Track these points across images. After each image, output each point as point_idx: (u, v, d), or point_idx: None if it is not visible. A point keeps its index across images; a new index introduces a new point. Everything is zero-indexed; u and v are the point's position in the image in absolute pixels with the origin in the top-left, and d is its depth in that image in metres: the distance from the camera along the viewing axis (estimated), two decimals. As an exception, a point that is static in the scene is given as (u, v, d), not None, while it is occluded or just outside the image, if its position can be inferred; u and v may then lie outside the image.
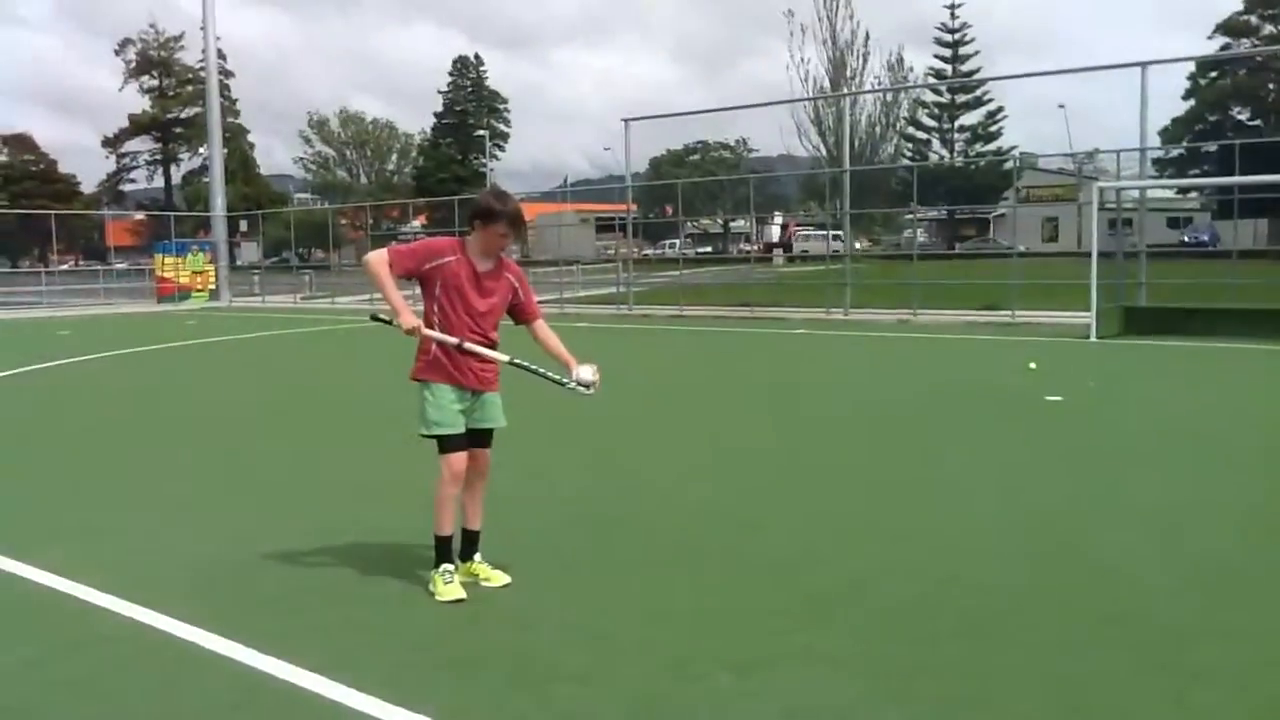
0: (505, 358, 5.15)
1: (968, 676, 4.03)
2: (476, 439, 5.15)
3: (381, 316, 5.25)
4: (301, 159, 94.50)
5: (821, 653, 4.27)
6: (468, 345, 5.03)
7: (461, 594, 5.00)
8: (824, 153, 63.12)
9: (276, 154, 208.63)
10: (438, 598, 4.99)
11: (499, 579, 5.22)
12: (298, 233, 53.03)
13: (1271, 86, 64.11)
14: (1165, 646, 4.28)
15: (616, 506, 6.86)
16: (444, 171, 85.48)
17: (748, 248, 51.47)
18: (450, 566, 5.11)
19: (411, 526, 5.78)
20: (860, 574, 5.31)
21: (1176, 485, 7.22)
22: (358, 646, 4.43)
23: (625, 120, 29.41)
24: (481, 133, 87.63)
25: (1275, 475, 7.46)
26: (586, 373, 5.08)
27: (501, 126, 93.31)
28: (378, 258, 5.00)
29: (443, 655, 4.33)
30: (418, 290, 5.19)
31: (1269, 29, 64.28)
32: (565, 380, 5.12)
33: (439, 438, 5.05)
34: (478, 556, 5.29)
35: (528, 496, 6.63)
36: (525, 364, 5.17)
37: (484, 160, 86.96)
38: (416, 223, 68.00)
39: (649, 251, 57.92)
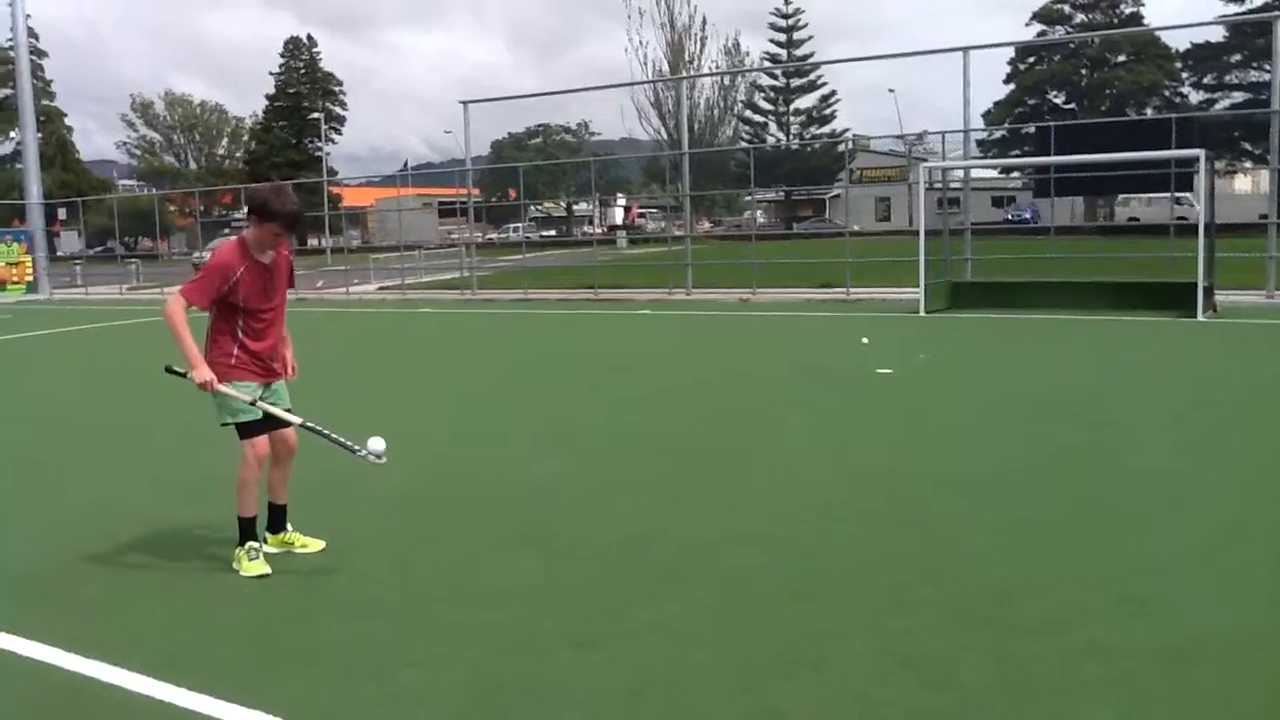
0: (298, 420, 5.27)
1: (805, 637, 4.15)
2: (277, 420, 5.27)
3: (176, 370, 5.31)
4: (125, 144, 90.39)
5: (664, 624, 4.33)
6: (261, 405, 5.17)
7: (266, 569, 5.12)
8: (664, 136, 63.75)
9: (97, 139, 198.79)
10: (242, 573, 5.10)
11: (314, 545, 5.43)
12: (123, 221, 50.64)
13: (1084, 72, 67.40)
14: (987, 602, 4.49)
15: (456, 488, 6.81)
16: (278, 156, 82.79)
17: (591, 230, 51.53)
18: (256, 544, 5.23)
19: (236, 521, 5.61)
20: (701, 544, 5.40)
21: (998, 449, 7.57)
22: (188, 645, 4.29)
23: (464, 103, 29.06)
24: (316, 116, 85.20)
25: (1086, 436, 7.89)
26: (377, 444, 5.10)
27: (337, 109, 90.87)
28: (174, 307, 5.02)
29: (278, 649, 4.23)
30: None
31: (1081, 17, 67.60)
32: (357, 449, 5.12)
33: (241, 424, 5.16)
34: (289, 526, 5.47)
35: (363, 481, 6.51)
36: (318, 429, 5.23)
37: (319, 144, 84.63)
38: (250, 208, 65.77)
39: (493, 235, 57.46)
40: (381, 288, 31.31)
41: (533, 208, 65.81)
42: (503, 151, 77.89)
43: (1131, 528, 5.50)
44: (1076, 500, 6.10)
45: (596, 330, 18.53)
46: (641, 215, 66.94)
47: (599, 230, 51.60)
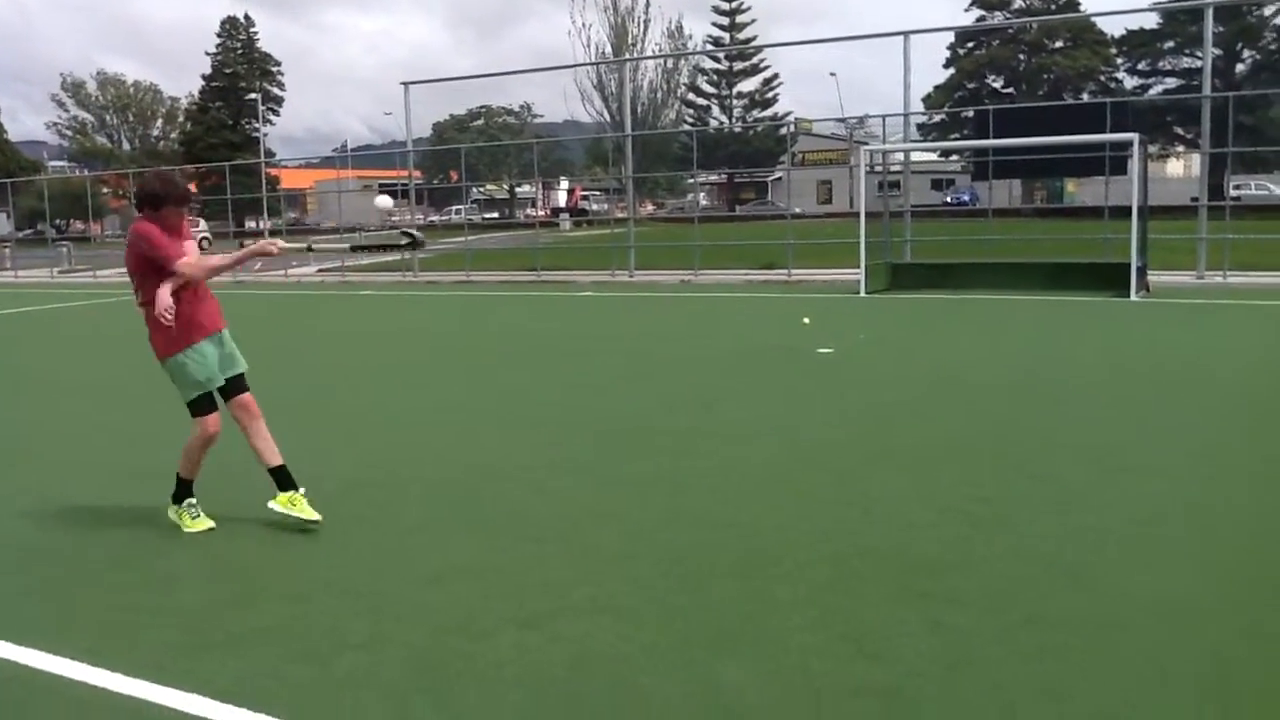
0: (346, 246, 5.94)
1: (746, 614, 4.17)
2: (235, 387, 5.43)
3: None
4: (55, 124, 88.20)
5: (606, 603, 4.33)
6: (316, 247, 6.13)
7: (209, 524, 5.35)
8: (607, 118, 63.59)
9: (25, 119, 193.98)
10: (185, 529, 5.32)
11: (309, 514, 5.43)
12: (53, 203, 49.52)
13: (1023, 57, 68.25)
14: (925, 575, 4.55)
15: (399, 470, 6.75)
16: (214, 137, 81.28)
17: (534, 213, 51.30)
18: (194, 500, 5.44)
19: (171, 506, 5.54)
20: (642, 525, 5.41)
21: (938, 426, 7.66)
22: (123, 630, 4.22)
23: (405, 84, 28.76)
24: (254, 96, 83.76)
25: (1023, 414, 8.01)
26: (386, 202, 5.48)
27: (275, 90, 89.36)
28: (184, 264, 5.21)
29: (215, 633, 4.17)
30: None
31: (1019, 3, 68.34)
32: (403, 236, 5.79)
33: (194, 400, 5.31)
34: (302, 490, 5.51)
35: (301, 462, 6.43)
36: (362, 244, 5.82)
37: (257, 125, 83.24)
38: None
39: (435, 218, 56.93)
40: (321, 270, 30.93)
41: (475, 190, 65.25)
42: (444, 133, 77.17)
43: (1068, 503, 5.59)
44: (1014, 476, 6.19)
45: (539, 313, 18.47)
46: (585, 197, 66.71)
47: (542, 213, 51.37)
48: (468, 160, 36.90)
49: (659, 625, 4.09)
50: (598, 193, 65.07)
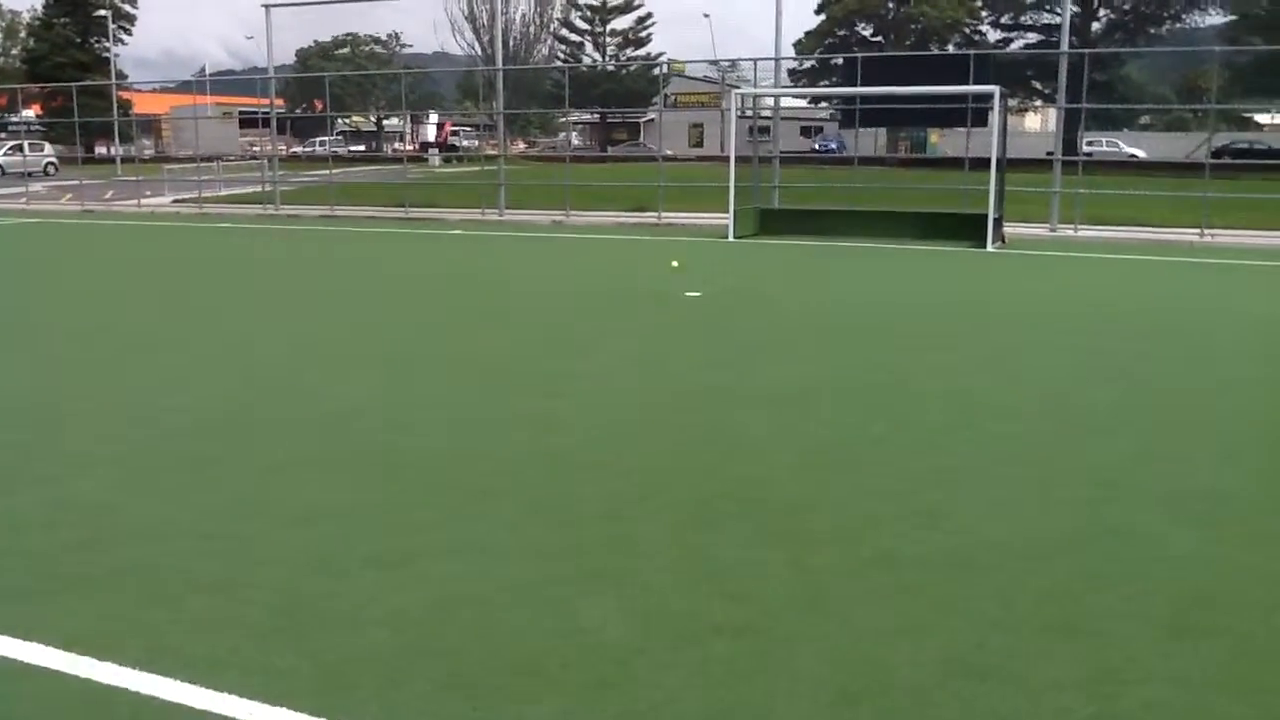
0: None
1: (613, 553, 4.22)
2: None
3: None
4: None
5: (471, 543, 4.32)
6: None
7: None
8: (479, 51, 62.41)
9: None
10: None
11: None
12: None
13: (891, 5, 69.24)
14: (786, 516, 4.66)
15: (259, 410, 6.58)
16: (61, 55, 76.77)
17: (402, 147, 50.12)
18: None
19: (14, 440, 5.30)
20: (508, 465, 5.40)
21: (803, 370, 7.81)
22: (-40, 572, 4.04)
23: (266, 6, 27.55)
24: (103, 13, 79.39)
25: (884, 358, 8.24)
26: None
27: (126, 7, 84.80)
28: None
29: (63, 576, 4.02)
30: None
31: (890, -49, 69.14)
32: None
33: None
34: None
35: (160, 400, 6.23)
36: None
37: (107, 44, 78.99)
38: (29, 112, 61.07)
39: (298, 149, 55.15)
40: (177, 200, 29.69)
41: (341, 121, 63.41)
42: (309, 61, 74.59)
43: (925, 444, 5.79)
44: (875, 419, 6.37)
45: (406, 250, 18.13)
46: (455, 133, 65.41)
47: (410, 147, 50.21)
48: (333, 90, 35.84)
49: (524, 565, 4.10)
50: (468, 128, 63.88)
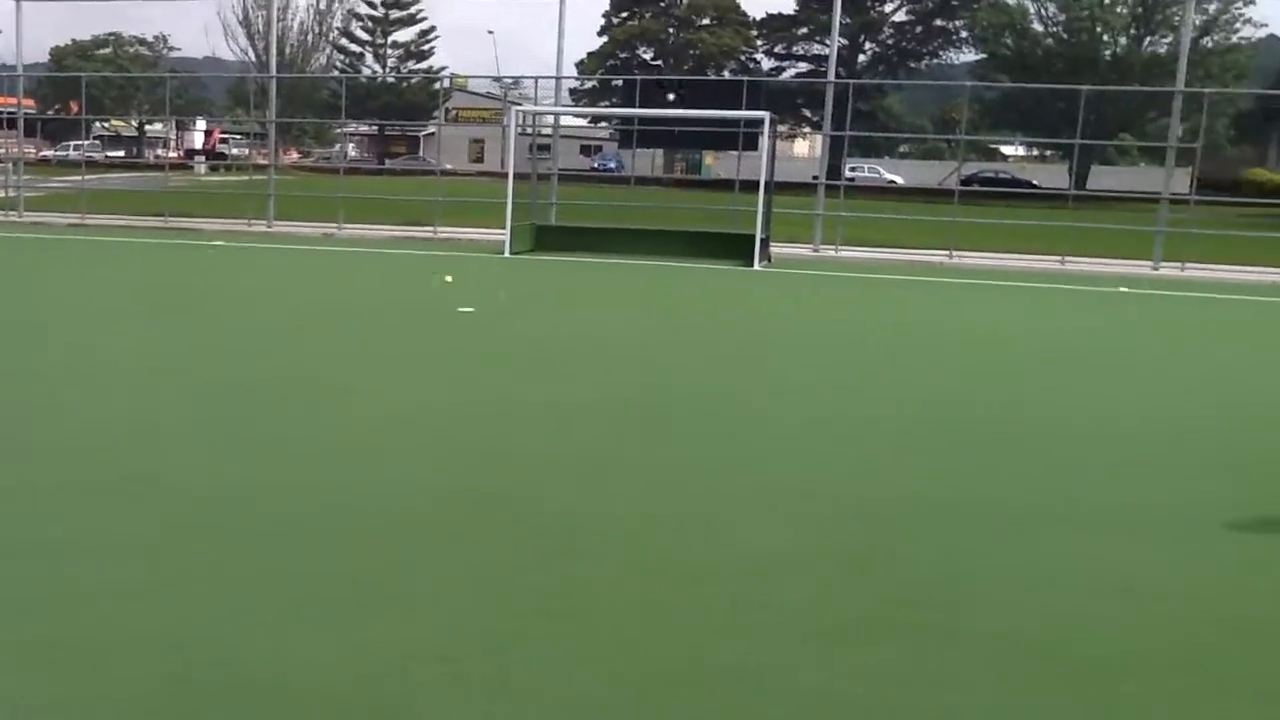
0: None
1: (381, 580, 4.07)
2: None
3: None
4: None
5: (201, 575, 4.11)
6: None
7: None
8: (253, 58, 60.15)
9: None
10: None
11: None
12: None
13: (672, 31, 70.96)
14: (552, 526, 4.68)
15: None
16: None
17: (165, 154, 47.75)
18: None
19: None
20: (252, 489, 5.18)
21: (566, 383, 7.85)
22: None
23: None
24: None
25: (651, 371, 8.38)
26: None
27: None
28: None
29: None
30: None
31: (668, -23, 70.91)
32: None
33: None
34: None
35: None
36: None
37: None
38: None
39: (48, 153, 51.69)
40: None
41: (99, 125, 59.86)
42: (64, 60, 70.14)
43: (678, 450, 5.91)
44: (635, 434, 6.46)
45: (160, 263, 17.23)
46: (224, 140, 62.84)
47: (174, 154, 47.87)
48: (90, 91, 33.71)
49: (278, 597, 3.93)
50: (239, 136, 61.47)
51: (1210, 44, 50.66)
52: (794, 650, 3.53)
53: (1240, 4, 50.99)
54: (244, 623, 3.64)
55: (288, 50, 62.78)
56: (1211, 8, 50.21)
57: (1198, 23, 46.41)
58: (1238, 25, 52.06)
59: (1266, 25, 55.98)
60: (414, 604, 3.84)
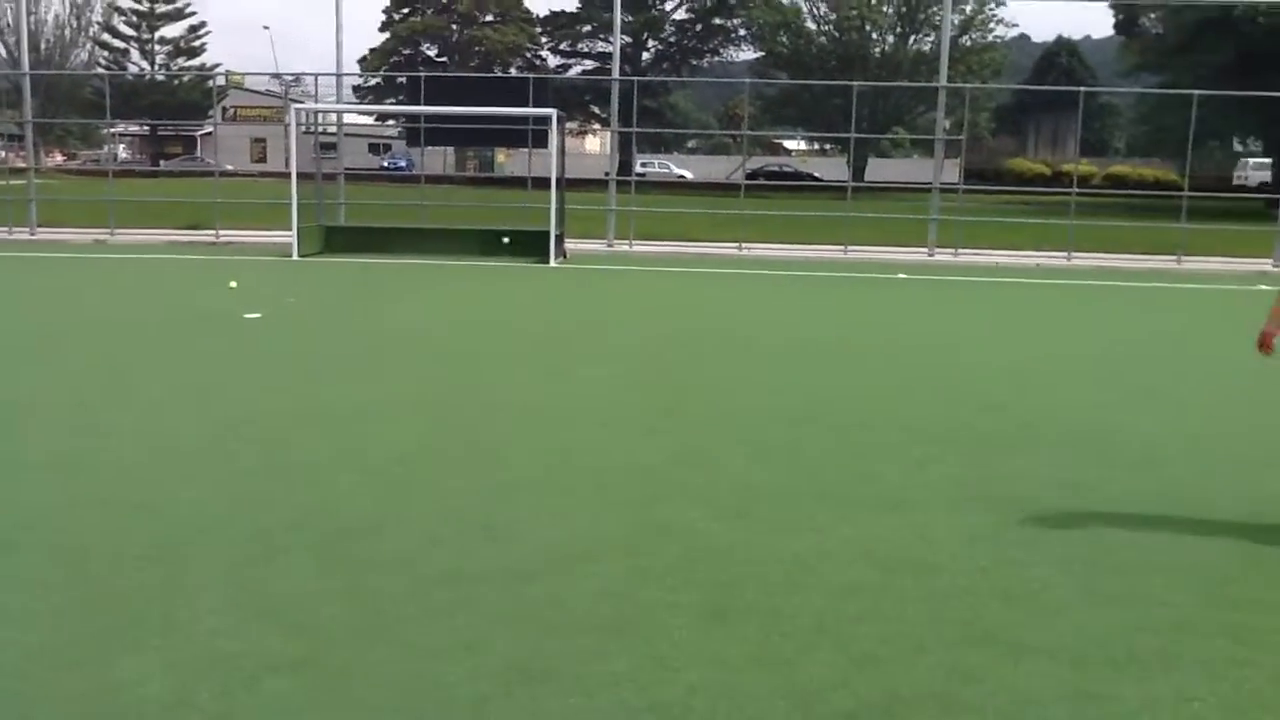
0: None
1: (151, 601, 3.89)
2: None
3: None
4: None
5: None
6: None
7: None
8: (4, 54, 56.08)
9: None
10: None
11: None
12: None
13: (455, 27, 70.15)
14: (347, 541, 4.54)
15: None
16: None
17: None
18: None
19: None
20: (34, 512, 4.85)
21: (371, 389, 7.66)
22: None
23: None
24: None
25: (450, 373, 8.29)
26: None
27: None
28: None
29: None
30: None
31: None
32: None
33: None
34: None
35: None
36: None
37: None
38: None
39: None
40: None
41: None
42: None
43: (489, 458, 5.87)
44: (446, 435, 6.38)
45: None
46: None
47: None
48: None
49: (49, 625, 3.69)
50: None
51: (969, 42, 53.91)
52: (619, 643, 3.56)
53: (993, 5, 54.46)
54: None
55: (44, 46, 58.91)
56: (968, 8, 53.41)
57: (956, 22, 49.26)
58: (992, 25, 55.60)
59: (1017, 25, 60.10)
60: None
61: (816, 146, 71.73)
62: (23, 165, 27.10)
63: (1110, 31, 53.07)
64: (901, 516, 5.00)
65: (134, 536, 4.57)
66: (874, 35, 55.90)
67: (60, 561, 4.28)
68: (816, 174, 50.22)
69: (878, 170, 51.64)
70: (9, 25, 55.60)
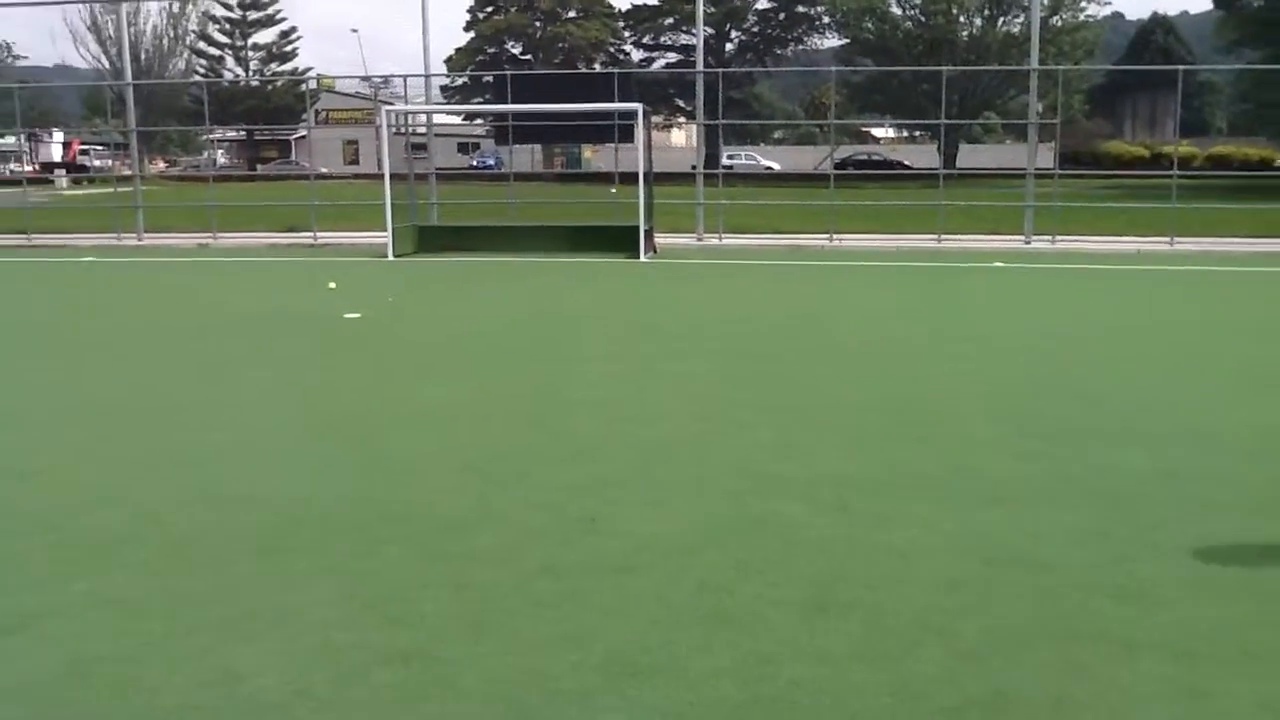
0: None
1: (264, 592, 4.01)
2: None
3: None
4: None
5: (108, 596, 3.98)
6: None
7: None
8: (106, 64, 57.99)
9: None
10: None
11: None
12: None
13: (538, 24, 70.67)
14: (447, 536, 4.61)
15: None
16: None
17: (20, 168, 45.77)
18: None
19: None
20: (149, 506, 5.02)
21: (463, 387, 7.78)
22: None
23: None
24: None
25: (540, 370, 8.36)
26: None
27: None
28: None
29: None
30: None
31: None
32: None
33: None
34: None
35: None
36: None
37: None
38: None
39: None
40: None
41: (-58, 139, 57.16)
42: (-103, 73, 66.72)
43: (585, 453, 5.91)
44: (533, 431, 6.44)
45: (28, 282, 16.54)
46: (84, 152, 60.51)
47: (30, 168, 45.91)
48: (-70, 106, 32.13)
49: (166, 615, 3.82)
50: (100, 147, 59.28)
51: (1060, 22, 52.54)
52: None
53: (1085, -18, 53.03)
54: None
55: (143, 56, 60.71)
56: (1058, -13, 52.11)
57: (1046, 2, 48.08)
58: (1083, 4, 54.15)
59: (1109, 2, 58.50)
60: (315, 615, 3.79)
61: (905, 134, 70.80)
62: (128, 173, 28.00)
63: (1208, 6, 51.38)
64: (1004, 510, 4.92)
65: (242, 530, 4.70)
66: (961, 19, 54.84)
67: (174, 553, 4.43)
68: (906, 162, 49.53)
69: (969, 156, 50.75)
70: (110, 37, 57.47)
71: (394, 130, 23.26)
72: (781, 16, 66.86)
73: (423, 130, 26.92)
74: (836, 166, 26.22)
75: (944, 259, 17.74)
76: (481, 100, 55.27)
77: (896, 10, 56.18)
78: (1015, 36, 51.96)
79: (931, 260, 17.55)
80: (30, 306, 13.34)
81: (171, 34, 65.86)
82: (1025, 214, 20.54)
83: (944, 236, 20.08)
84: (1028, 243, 19.86)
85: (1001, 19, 54.91)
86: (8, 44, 72.96)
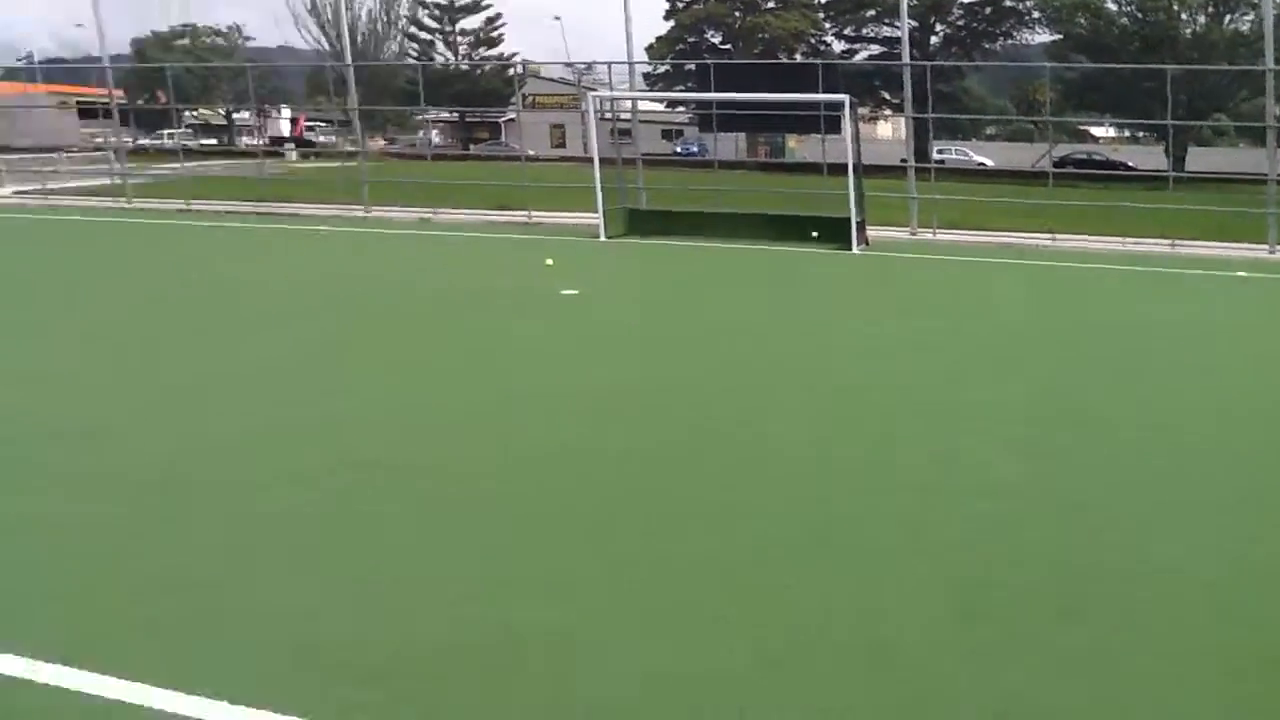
0: None
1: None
2: None
3: None
4: None
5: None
6: None
7: None
8: (325, 46, 60.84)
9: None
10: None
11: None
12: None
13: (738, 15, 70.40)
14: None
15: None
16: None
17: (253, 141, 48.57)
18: None
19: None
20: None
21: (675, 364, 7.93)
22: None
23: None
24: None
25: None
26: None
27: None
28: None
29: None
30: None
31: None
32: None
33: None
34: None
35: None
36: None
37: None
38: None
39: (145, 141, 52.80)
40: (18, 192, 28.04)
41: (188, 114, 61.01)
42: (146, 51, 71.56)
43: (812, 439, 5.94)
44: (774, 412, 6.50)
45: (279, 248, 17.55)
46: (310, 128, 63.78)
47: (261, 141, 48.67)
48: (176, 82, 34.32)
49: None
50: (323, 124, 62.35)
51: (1294, 20, 48.95)
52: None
53: (1324, -25, 49.27)
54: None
55: (359, 38, 63.40)
56: (1291, -18, 48.54)
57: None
58: (1323, -1, 50.26)
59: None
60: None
61: (1127, 134, 67.63)
62: (353, 149, 29.37)
63: None
64: None
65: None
66: (1183, 15, 51.78)
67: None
68: (1129, 163, 47.26)
69: (1199, 159, 47.99)
70: (329, 20, 60.27)
71: (600, 115, 23.60)
72: (988, 10, 64.63)
73: (628, 116, 27.23)
74: (1055, 165, 25.27)
75: (1180, 265, 16.80)
76: (684, 88, 55.50)
77: (1112, 6, 53.46)
78: (1245, 35, 48.76)
79: (1166, 265, 16.65)
80: (278, 274, 14.15)
81: (385, 18, 68.57)
82: (1269, 221, 19.34)
83: (1178, 241, 19.09)
84: (1272, 252, 18.71)
85: (1229, 16, 51.62)
86: (238, 26, 77.13)
